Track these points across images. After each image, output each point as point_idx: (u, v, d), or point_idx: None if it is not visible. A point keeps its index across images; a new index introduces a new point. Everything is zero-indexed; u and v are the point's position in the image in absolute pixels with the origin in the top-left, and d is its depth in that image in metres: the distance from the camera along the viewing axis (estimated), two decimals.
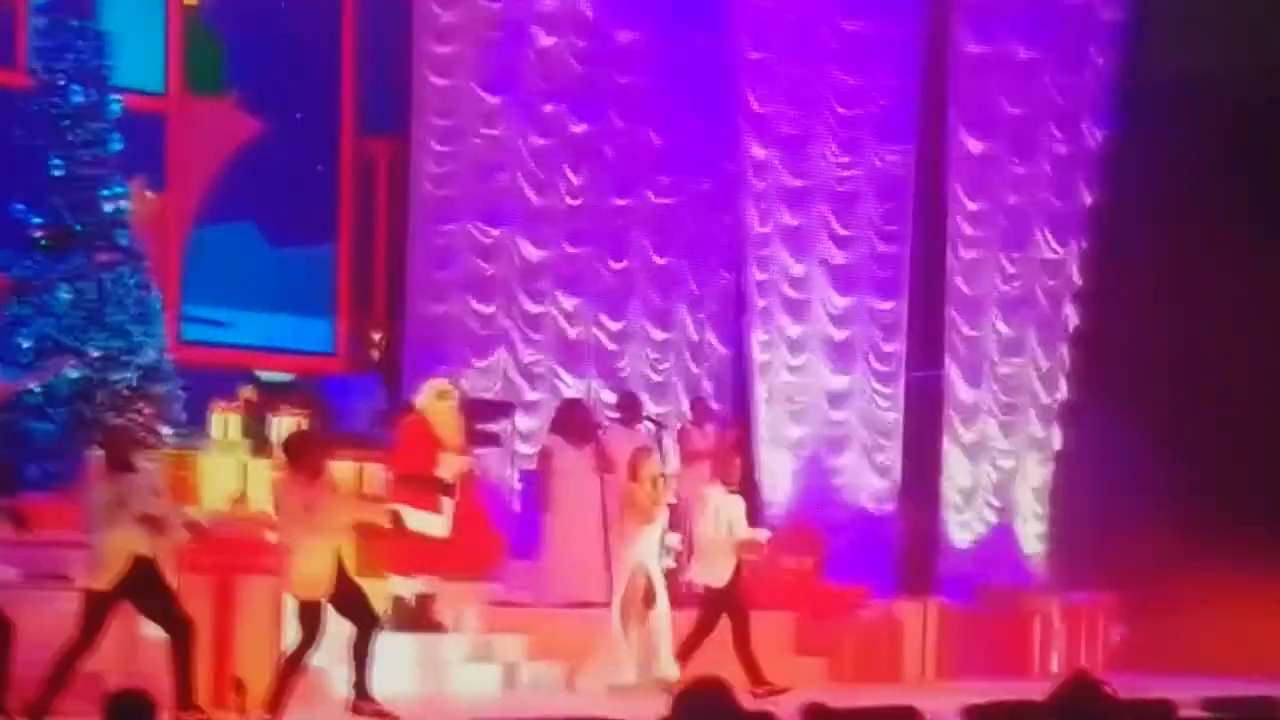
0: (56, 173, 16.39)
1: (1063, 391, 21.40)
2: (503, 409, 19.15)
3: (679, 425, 19.34)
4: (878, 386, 21.26)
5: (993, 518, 21.13)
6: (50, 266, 16.28)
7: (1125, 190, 20.89)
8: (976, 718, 11.09)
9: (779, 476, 20.76)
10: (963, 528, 21.06)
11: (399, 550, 14.56)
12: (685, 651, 15.32)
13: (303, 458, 12.75)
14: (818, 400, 21.13)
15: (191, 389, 16.54)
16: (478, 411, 18.19)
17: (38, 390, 15.78)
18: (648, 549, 15.32)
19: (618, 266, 20.83)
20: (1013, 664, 18.89)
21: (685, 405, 20.48)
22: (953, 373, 21.23)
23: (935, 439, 21.13)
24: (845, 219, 21.22)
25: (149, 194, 18.26)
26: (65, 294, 16.19)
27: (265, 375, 18.78)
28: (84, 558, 12.31)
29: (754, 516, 16.73)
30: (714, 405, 20.09)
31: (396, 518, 13.59)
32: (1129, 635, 19.30)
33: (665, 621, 15.22)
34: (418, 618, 15.09)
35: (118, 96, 16.69)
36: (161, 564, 12.26)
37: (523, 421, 19.60)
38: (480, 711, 11.46)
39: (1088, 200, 21.42)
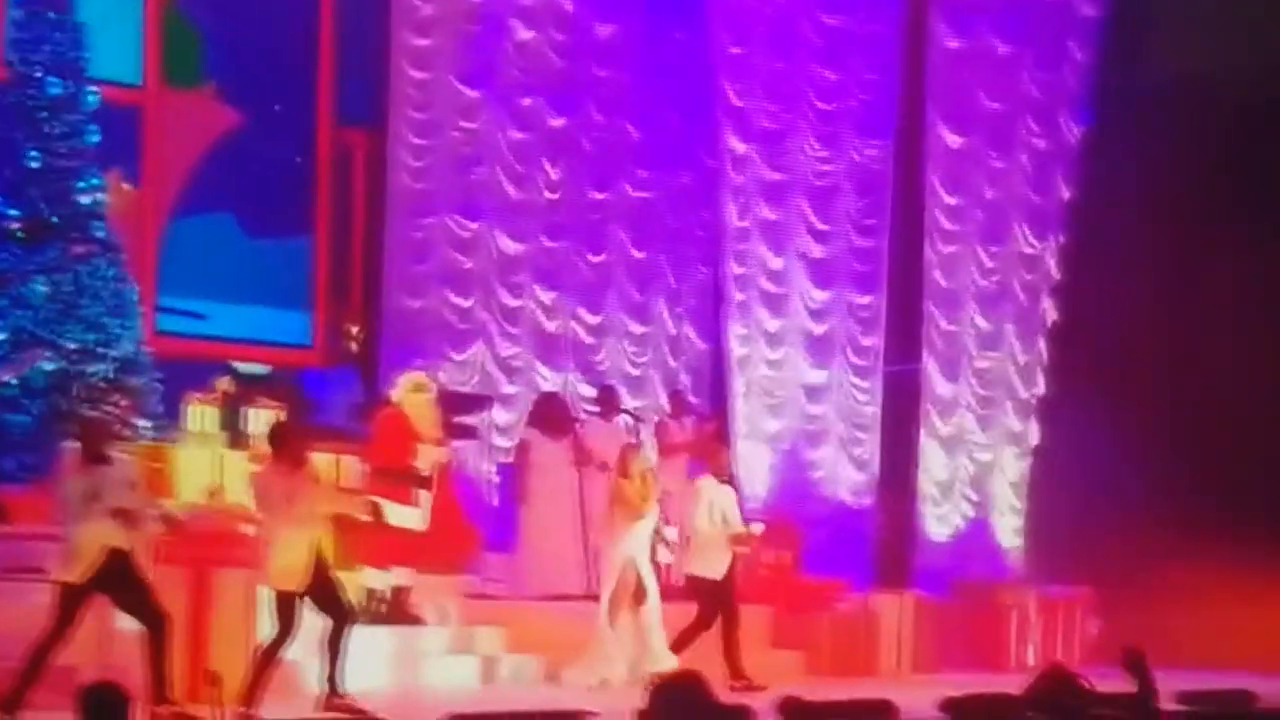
0: (33, 165, 16.35)
1: (1040, 386, 21.43)
2: (480, 402, 19.14)
3: (657, 419, 19.34)
4: (855, 380, 21.27)
5: (970, 512, 21.16)
6: (26, 259, 16.23)
7: (1103, 185, 20.92)
8: (953, 711, 11.09)
9: (756, 470, 20.76)
10: (940, 521, 21.08)
11: (374, 543, 14.53)
12: (680, 645, 15.35)
13: (286, 448, 12.72)
14: (795, 394, 21.14)
15: (168, 381, 16.49)
16: (455, 404, 18.16)
17: (13, 383, 15.74)
18: (637, 545, 15.30)
19: (596, 260, 20.81)
20: (989, 657, 18.90)
21: (663, 399, 20.48)
22: (930, 367, 21.24)
23: (913, 433, 21.15)
24: (824, 213, 21.23)
25: (126, 186, 18.21)
26: (41, 286, 16.15)
27: (242, 367, 18.75)
28: (58, 550, 12.26)
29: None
30: (692, 399, 20.08)
31: (376, 510, 13.54)
32: (1105, 629, 19.31)
33: (656, 617, 15.21)
34: (394, 611, 15.07)
35: (94, 89, 16.65)
36: (136, 557, 12.22)
37: (500, 415, 19.60)
38: (457, 705, 11.42)
39: (1065, 195, 21.45)
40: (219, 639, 13.14)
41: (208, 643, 13.09)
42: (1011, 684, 9.49)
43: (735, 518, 15.90)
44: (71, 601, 12.10)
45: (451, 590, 16.03)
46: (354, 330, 19.16)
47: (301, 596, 12.47)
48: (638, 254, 21.06)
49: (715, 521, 15.71)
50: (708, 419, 19.61)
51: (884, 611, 18.35)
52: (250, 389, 17.27)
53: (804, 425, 21.10)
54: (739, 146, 20.97)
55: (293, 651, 12.71)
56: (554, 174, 20.46)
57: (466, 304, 19.93)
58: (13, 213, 16.31)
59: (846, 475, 21.11)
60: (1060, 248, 21.47)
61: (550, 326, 20.48)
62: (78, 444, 12.60)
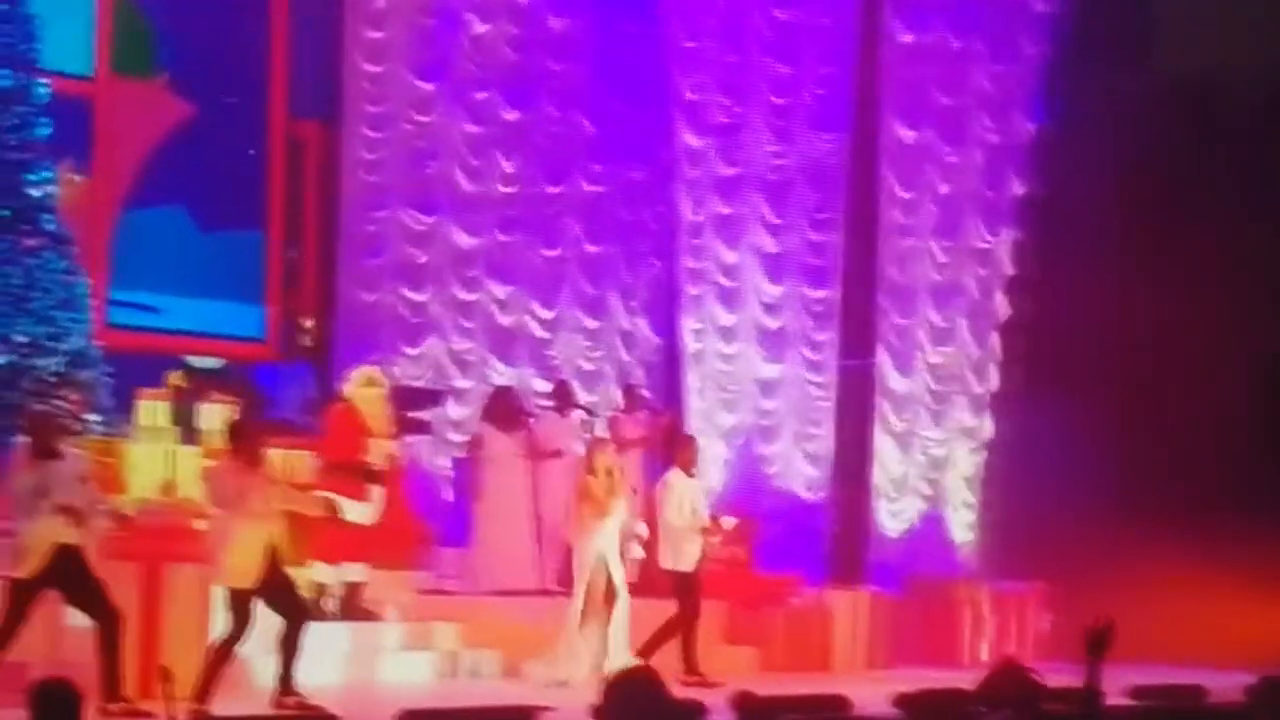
0: None
1: (993, 381, 21.47)
2: (434, 397, 19.10)
3: (610, 413, 19.32)
4: (810, 375, 21.29)
5: (923, 506, 21.18)
6: None
7: (1056, 181, 20.96)
8: (906, 706, 11.11)
9: (710, 465, 20.73)
10: (894, 516, 21.11)
11: (324, 538, 14.47)
12: (659, 642, 15.38)
13: (243, 444, 12.67)
14: (749, 388, 21.15)
15: (119, 375, 16.40)
16: (409, 399, 18.13)
17: None
18: (606, 542, 15.28)
19: (550, 254, 20.79)
20: (943, 652, 18.93)
21: (616, 393, 20.46)
22: (884, 362, 21.26)
23: (867, 428, 21.17)
24: (778, 207, 21.24)
25: (77, 178, 18.13)
26: None
27: (195, 361, 18.68)
28: (8, 546, 12.18)
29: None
30: (645, 393, 20.06)
31: (330, 507, 13.50)
32: (1058, 623, 19.37)
33: (624, 617, 15.20)
34: (347, 607, 15.02)
35: (45, 80, 16.53)
36: (87, 553, 12.16)
37: (454, 409, 19.56)
38: (412, 701, 11.41)
39: (1019, 190, 21.48)
40: (171, 635, 13.09)
41: (160, 639, 13.05)
42: (965, 679, 9.50)
43: (704, 510, 15.97)
44: (21, 598, 12.04)
45: (404, 585, 15.99)
46: (308, 324, 19.10)
47: (255, 594, 12.42)
48: (591, 248, 21.04)
49: (685, 514, 15.76)
50: (661, 413, 19.61)
51: (838, 607, 18.38)
52: (203, 383, 17.20)
53: (758, 420, 21.11)
54: (693, 141, 20.98)
55: (246, 648, 12.66)
56: (508, 168, 20.43)
57: (420, 298, 19.89)
58: None
59: (800, 470, 21.12)
60: (1013, 243, 21.50)
61: (504, 321, 20.44)
62: (28, 439, 12.52)
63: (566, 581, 17.11)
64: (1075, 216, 20.65)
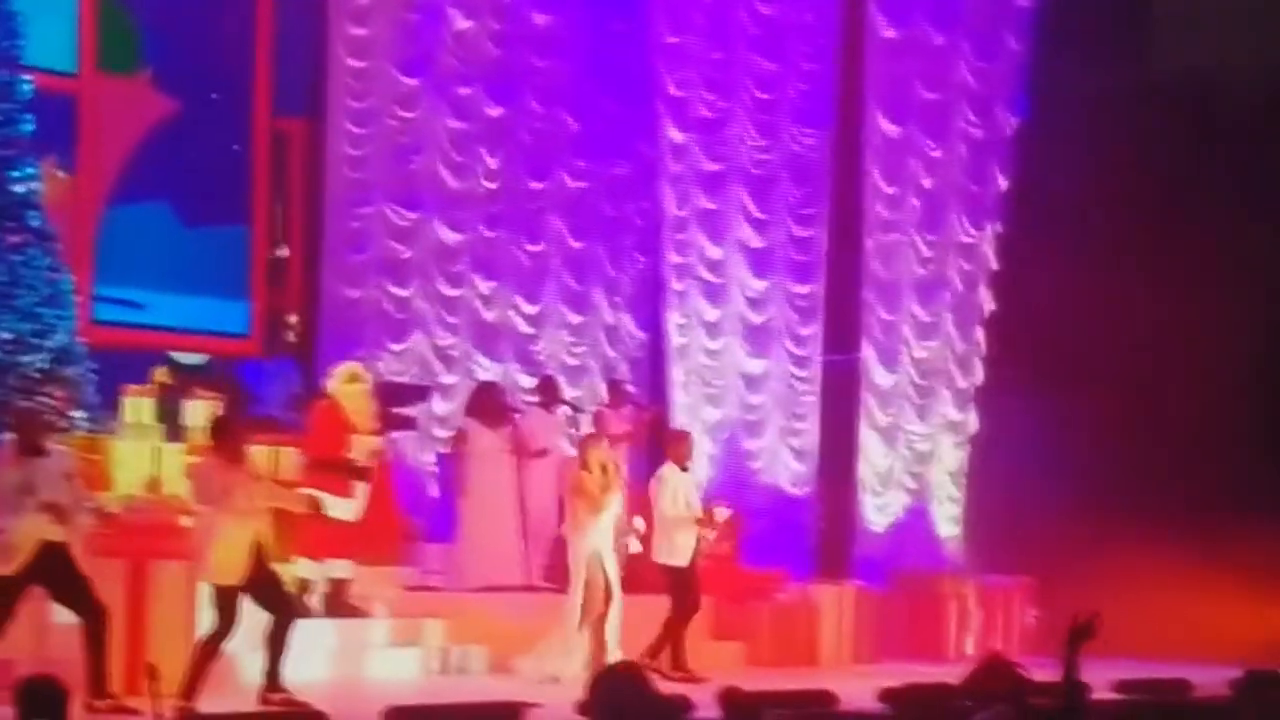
0: None
1: (978, 375, 21.49)
2: (419, 392, 19.09)
3: (595, 408, 19.33)
4: (794, 370, 21.30)
5: (909, 501, 21.20)
6: None
7: (1039, 175, 20.99)
8: (892, 701, 11.13)
9: (696, 460, 20.67)
10: (879, 511, 21.12)
11: (309, 535, 14.46)
12: (677, 640, 15.41)
13: (226, 442, 12.66)
14: (734, 383, 21.16)
15: (104, 372, 16.39)
16: (394, 395, 18.13)
17: None
18: (601, 537, 15.30)
19: (534, 250, 20.78)
20: (928, 647, 18.96)
21: (601, 388, 20.47)
22: (869, 356, 21.28)
23: (852, 422, 21.18)
24: (762, 203, 21.24)
25: (61, 174, 18.10)
26: None
27: (179, 357, 18.66)
28: None
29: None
30: (630, 388, 20.08)
31: (314, 504, 13.49)
32: (1044, 618, 19.40)
33: (618, 614, 15.22)
34: (333, 603, 15.02)
35: (29, 77, 16.51)
36: (72, 549, 12.15)
37: (439, 405, 19.55)
38: (398, 697, 11.41)
39: (1003, 185, 21.51)
40: (157, 632, 13.09)
41: (146, 635, 13.04)
42: (951, 674, 9.53)
43: (697, 504, 16.01)
44: (7, 594, 12.03)
45: (391, 582, 16.00)
46: (292, 320, 19.09)
47: (241, 591, 12.42)
48: (575, 244, 21.04)
49: (679, 508, 15.80)
50: (646, 408, 19.63)
51: (824, 601, 18.41)
52: (188, 379, 17.19)
53: (743, 415, 21.12)
54: (677, 136, 20.97)
55: (232, 645, 12.66)
56: (492, 163, 20.41)
57: (405, 294, 19.87)
58: None
59: (786, 465, 21.14)
60: (997, 237, 21.53)
61: (489, 316, 20.44)
62: (13, 436, 12.51)
63: (553, 577, 17.14)
64: (1058, 210, 20.68)
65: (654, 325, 21.29)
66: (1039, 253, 20.67)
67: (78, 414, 15.78)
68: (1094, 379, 20.09)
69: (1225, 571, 18.80)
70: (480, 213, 20.34)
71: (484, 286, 20.42)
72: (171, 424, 16.01)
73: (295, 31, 19.91)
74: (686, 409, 20.87)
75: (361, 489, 14.90)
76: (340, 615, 15.01)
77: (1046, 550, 19.32)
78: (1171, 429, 19.97)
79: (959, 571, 20.54)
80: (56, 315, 16.17)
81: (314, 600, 14.87)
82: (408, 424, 18.57)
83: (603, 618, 15.12)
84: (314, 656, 14.25)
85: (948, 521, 21.31)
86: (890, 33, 21.23)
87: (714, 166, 21.08)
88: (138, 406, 16.05)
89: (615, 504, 15.40)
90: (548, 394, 18.43)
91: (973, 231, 21.52)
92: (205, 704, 11.93)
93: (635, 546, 16.07)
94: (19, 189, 16.29)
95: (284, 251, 20.15)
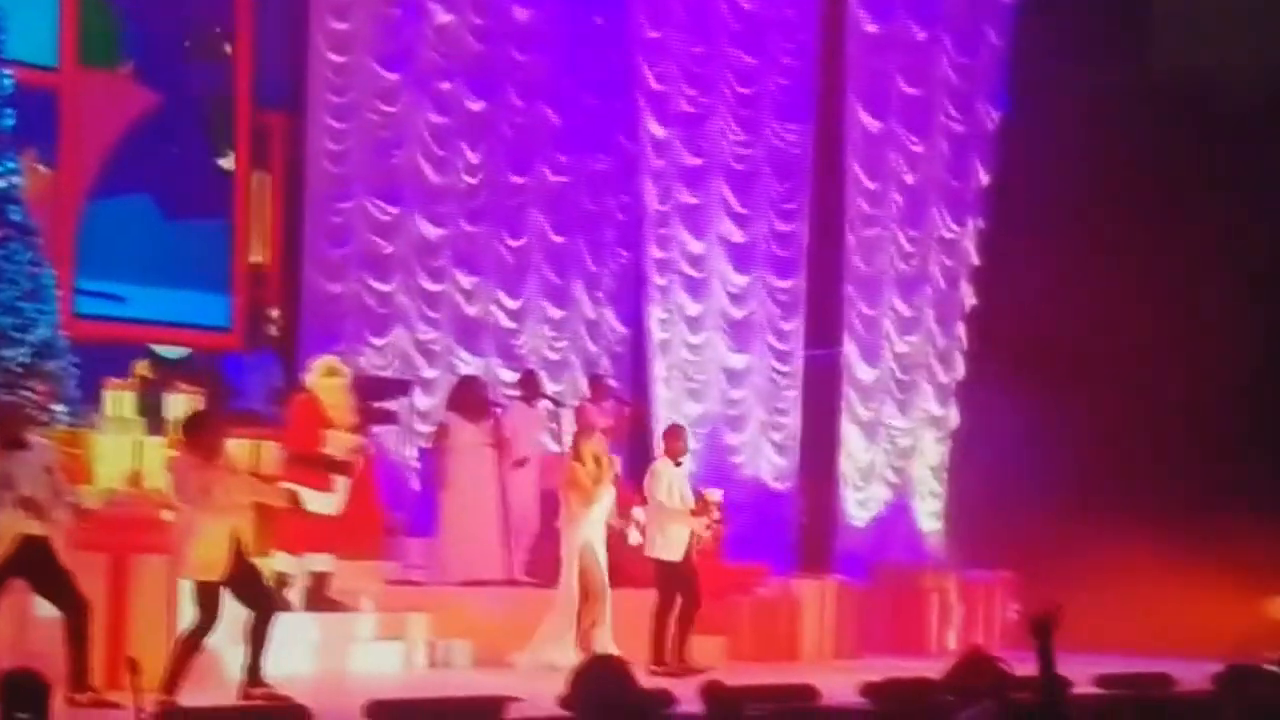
0: None
1: (959, 370, 21.52)
2: (401, 387, 19.08)
3: (577, 403, 19.34)
4: (776, 365, 21.32)
5: (890, 496, 21.22)
6: None
7: (1020, 170, 21.02)
8: (873, 695, 11.15)
9: None
10: (860, 506, 21.15)
11: (289, 529, 14.43)
12: (659, 633, 15.42)
13: (200, 438, 12.63)
14: (716, 378, 21.16)
15: (86, 365, 16.35)
16: (376, 389, 18.12)
17: None
18: (593, 529, 15.32)
19: (515, 244, 20.77)
20: (910, 641, 18.98)
21: (583, 383, 20.47)
22: (850, 351, 21.30)
23: (833, 417, 21.20)
24: (744, 197, 21.26)
25: (42, 168, 18.06)
26: None
27: (161, 350, 18.62)
28: None
29: (641, 495, 16.77)
30: (612, 382, 20.08)
31: (294, 498, 13.47)
32: (1025, 612, 19.41)
33: (608, 603, 15.24)
34: (313, 597, 15.00)
35: (9, 71, 16.45)
36: (53, 544, 12.12)
37: (421, 400, 19.53)
38: (381, 691, 11.40)
39: (984, 180, 21.54)
40: (138, 626, 13.07)
41: (127, 629, 13.02)
42: (932, 668, 9.53)
43: (691, 498, 16.02)
44: None
45: (373, 576, 15.98)
46: (274, 314, 19.06)
47: (223, 586, 12.40)
48: (557, 238, 21.03)
49: (674, 501, 15.83)
50: (627, 403, 19.64)
51: (805, 596, 18.41)
52: (169, 373, 17.16)
53: (724, 410, 21.13)
54: (658, 130, 20.97)
55: (214, 639, 12.65)
56: (473, 158, 20.40)
57: (386, 288, 19.85)
58: None
59: (767, 459, 21.16)
60: (979, 232, 21.57)
61: (470, 311, 20.43)
62: None
63: (535, 571, 17.16)
64: (1039, 206, 20.71)
65: (635, 320, 21.29)
66: (1020, 248, 20.71)
67: (59, 408, 15.75)
68: (1075, 374, 20.12)
69: (1207, 566, 18.83)
70: (461, 207, 20.33)
71: (465, 281, 20.41)
72: (153, 418, 15.98)
73: (276, 26, 19.87)
74: (668, 404, 20.87)
75: (342, 483, 14.88)
76: (321, 609, 14.98)
77: (1028, 545, 19.34)
78: (1153, 425, 20.01)
79: (940, 566, 20.57)
80: (38, 309, 16.12)
81: (294, 595, 14.85)
82: (389, 418, 18.56)
83: (595, 608, 15.13)
84: (297, 651, 14.23)
85: (929, 516, 21.34)
86: (871, 27, 21.27)
87: (695, 161, 21.09)
88: (119, 400, 16.02)
89: (607, 496, 15.43)
90: (529, 389, 18.43)
91: (954, 227, 21.56)
92: (187, 698, 11.90)
93: (636, 537, 16.10)
94: (0, 184, 16.24)
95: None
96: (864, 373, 21.31)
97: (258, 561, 12.93)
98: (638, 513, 16.12)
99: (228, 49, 19.86)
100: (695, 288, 21.14)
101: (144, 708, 8.79)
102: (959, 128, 21.55)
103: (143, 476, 15.16)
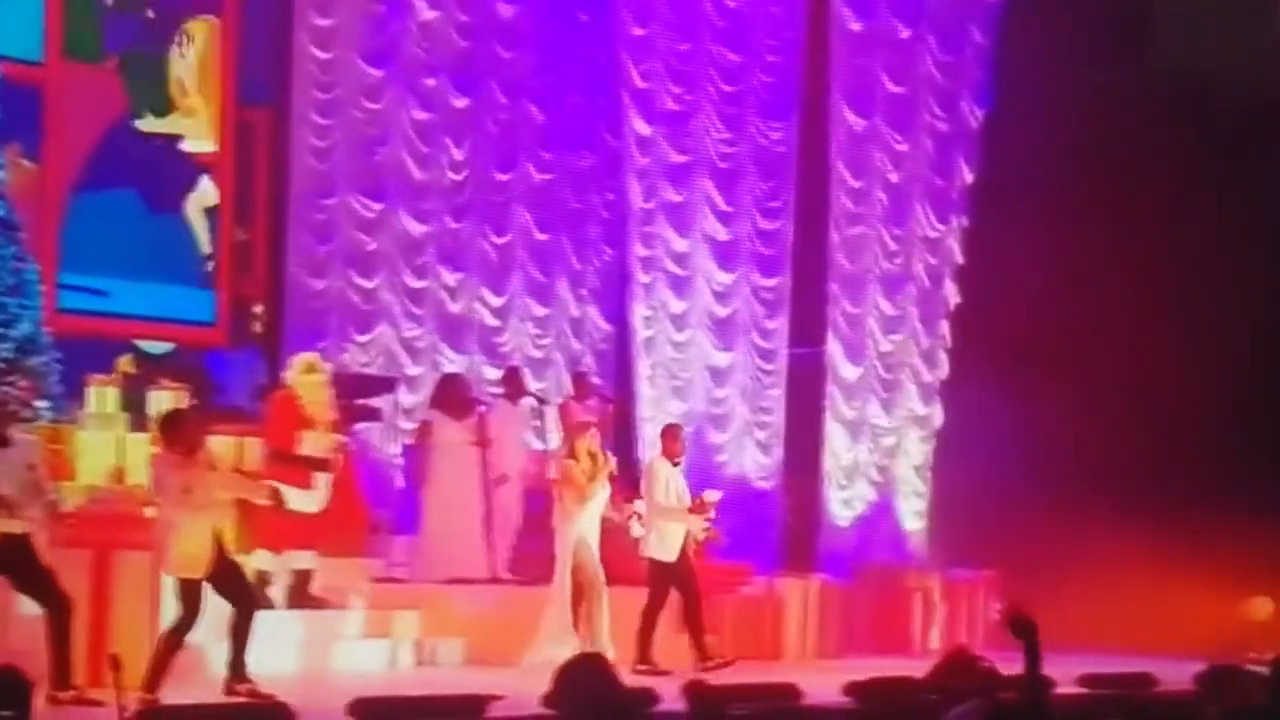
0: None
1: (943, 369, 21.54)
2: (385, 384, 19.06)
3: (561, 400, 19.34)
4: (760, 363, 21.31)
5: (874, 495, 21.23)
6: None
7: (1004, 169, 21.03)
8: (857, 695, 11.15)
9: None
10: (844, 505, 21.15)
11: (270, 526, 14.40)
12: (646, 631, 15.43)
13: (178, 436, 12.61)
14: (700, 376, 21.15)
15: (69, 360, 16.31)
16: (360, 386, 18.10)
17: None
18: (588, 526, 15.33)
19: (500, 241, 20.76)
20: (893, 641, 18.99)
21: (566, 380, 20.46)
22: (834, 349, 21.30)
23: (817, 415, 21.20)
24: (728, 195, 21.25)
25: (26, 163, 18.03)
26: None
27: (145, 346, 18.59)
28: None
29: (634, 493, 16.78)
30: (596, 380, 20.08)
31: (276, 495, 13.44)
32: (1009, 612, 19.40)
33: (604, 599, 15.25)
34: (296, 595, 14.98)
35: None
36: (33, 541, 12.10)
37: (405, 397, 19.51)
38: (366, 689, 11.38)
39: (968, 178, 21.55)
40: (121, 623, 13.05)
41: (109, 626, 12.99)
42: (915, 668, 9.54)
43: (687, 497, 16.03)
44: None
45: (358, 574, 15.96)
46: (258, 310, 19.03)
47: (205, 582, 12.39)
48: (541, 235, 21.02)
49: (671, 500, 15.84)
50: (611, 400, 19.63)
51: (789, 595, 18.41)
52: (153, 368, 17.12)
53: (709, 408, 21.12)
54: (643, 128, 20.95)
55: (198, 637, 12.63)
56: (458, 155, 20.39)
57: (370, 285, 19.83)
58: None
59: (751, 458, 21.15)
60: (963, 231, 21.58)
61: (454, 308, 20.41)
62: None
63: (519, 569, 17.15)
64: (1023, 204, 20.72)
65: (620, 317, 21.28)
66: (1004, 247, 20.72)
67: (41, 404, 15.71)
68: (1059, 373, 20.14)
69: (1190, 565, 18.86)
70: (446, 204, 20.32)
71: (450, 278, 20.39)
72: (136, 414, 15.95)
73: (260, 21, 19.83)
74: (652, 402, 20.86)
75: (323, 480, 14.85)
76: (304, 607, 14.96)
77: (1011, 544, 19.35)
78: (1136, 425, 20.02)
79: (924, 565, 20.57)
80: (21, 305, 16.08)
81: (275, 592, 14.82)
82: (373, 415, 18.54)
83: (592, 605, 15.15)
84: (282, 649, 14.21)
85: (913, 515, 21.35)
86: (856, 26, 21.27)
87: (680, 158, 21.08)
88: (102, 396, 15.99)
89: (602, 493, 15.44)
90: (512, 386, 18.42)
91: (938, 225, 21.58)
92: (169, 696, 11.89)
93: (638, 530, 16.11)
94: None
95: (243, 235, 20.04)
96: (848, 371, 21.31)
97: (240, 558, 12.91)
98: (639, 505, 16.15)
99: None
100: (680, 285, 21.13)
101: (126, 705, 8.77)
102: (943, 126, 21.57)
103: (125, 473, 15.13)
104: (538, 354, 20.93)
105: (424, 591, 16.23)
